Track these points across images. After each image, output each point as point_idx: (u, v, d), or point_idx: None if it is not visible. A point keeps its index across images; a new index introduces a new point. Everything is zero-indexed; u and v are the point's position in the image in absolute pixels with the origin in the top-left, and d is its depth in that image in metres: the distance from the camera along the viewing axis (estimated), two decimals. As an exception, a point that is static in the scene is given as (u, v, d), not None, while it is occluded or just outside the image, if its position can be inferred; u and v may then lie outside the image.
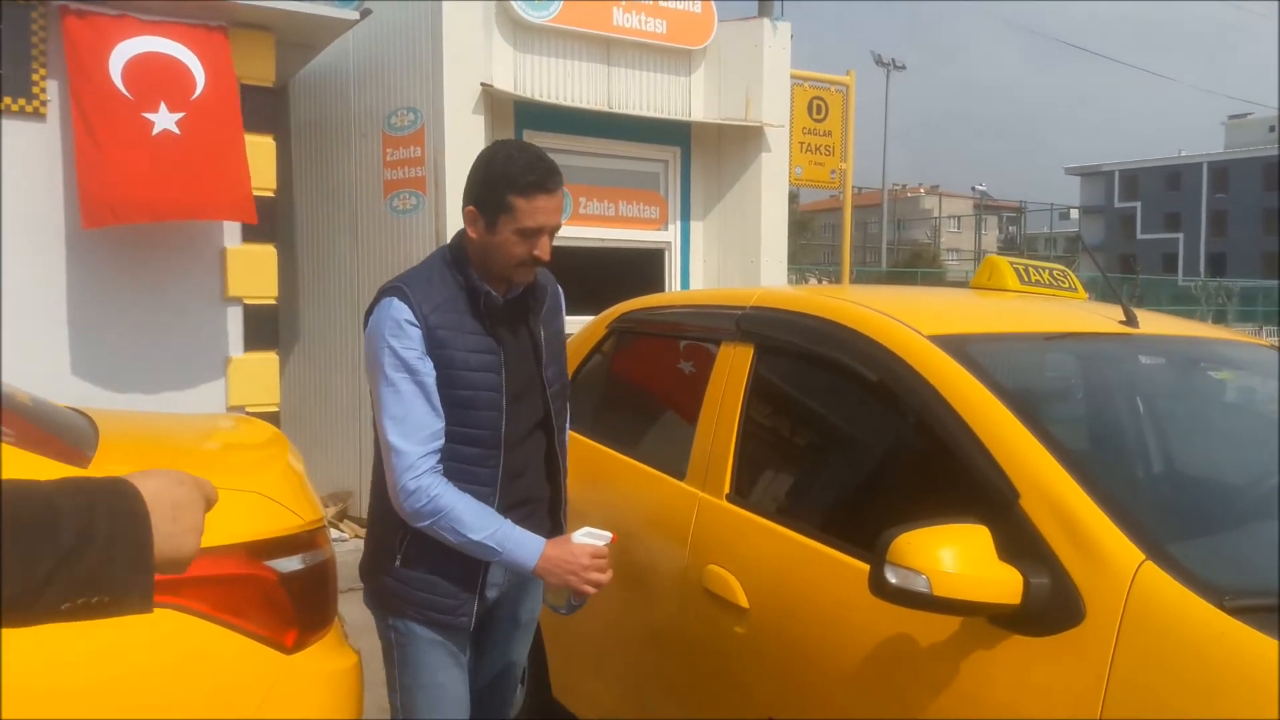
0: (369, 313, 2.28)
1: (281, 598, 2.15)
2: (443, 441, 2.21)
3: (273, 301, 5.78)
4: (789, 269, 8.23)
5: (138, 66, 5.08)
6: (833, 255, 43.23)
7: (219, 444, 2.96)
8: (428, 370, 2.19)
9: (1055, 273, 3.28)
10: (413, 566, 2.26)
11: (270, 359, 5.75)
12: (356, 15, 5.84)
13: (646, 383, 3.59)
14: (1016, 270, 3.18)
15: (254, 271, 5.62)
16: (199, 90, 5.22)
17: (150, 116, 5.06)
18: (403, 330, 2.18)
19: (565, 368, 2.54)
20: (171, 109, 5.11)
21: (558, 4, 6.56)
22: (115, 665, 1.95)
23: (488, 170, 2.24)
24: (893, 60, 40.94)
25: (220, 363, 5.55)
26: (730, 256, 7.56)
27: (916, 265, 40.62)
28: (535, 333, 2.40)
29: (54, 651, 1.87)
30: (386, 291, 2.25)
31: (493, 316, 2.28)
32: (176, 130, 5.10)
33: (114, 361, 5.24)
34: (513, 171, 2.19)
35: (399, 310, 2.20)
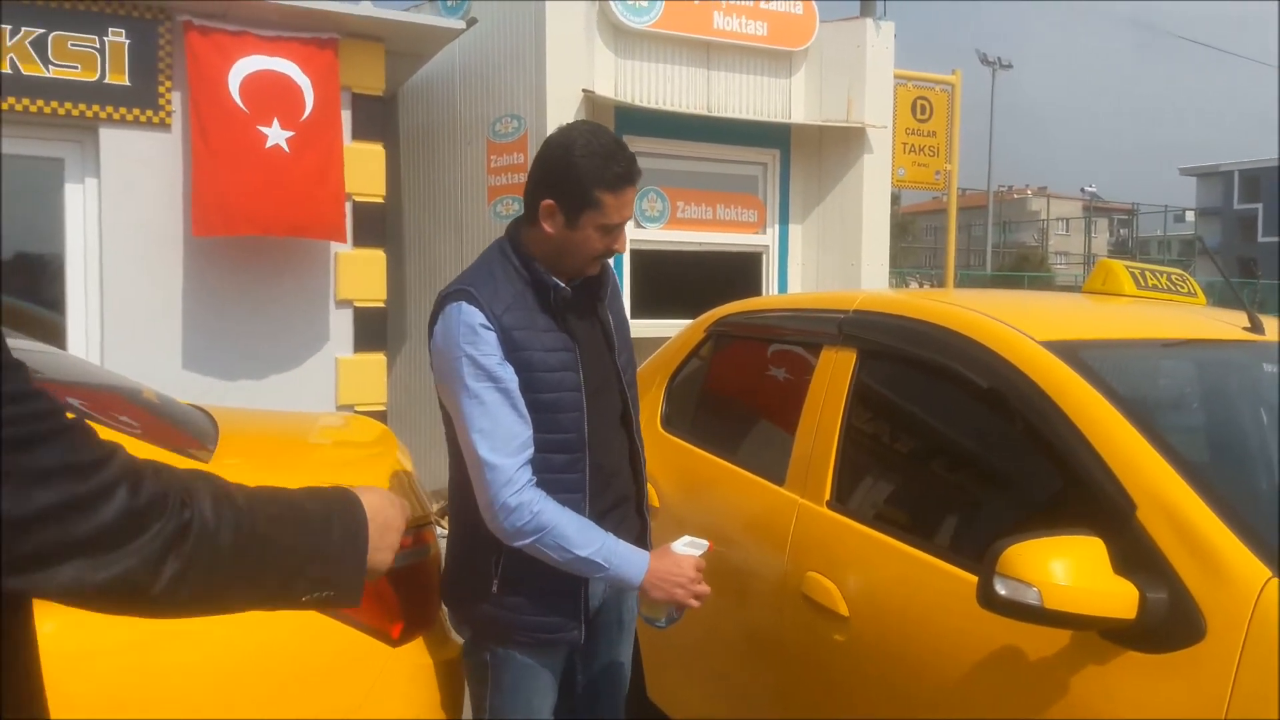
0: (433, 321, 2.14)
1: (389, 592, 2.20)
2: (533, 450, 2.07)
3: (381, 304, 5.94)
4: (889, 272, 8.09)
5: (254, 82, 5.30)
6: (934, 258, 42.37)
7: (331, 441, 3.05)
8: (509, 375, 2.05)
9: (1173, 277, 3.16)
10: (512, 589, 2.12)
11: (378, 360, 5.91)
12: (463, 25, 5.97)
13: (745, 387, 3.57)
14: (1132, 274, 3.08)
15: (364, 275, 5.79)
16: (308, 111, 5.41)
17: (264, 130, 5.26)
18: (478, 335, 2.03)
19: (634, 354, 2.38)
20: (283, 126, 5.31)
21: (658, 9, 6.59)
22: (232, 652, 2.03)
23: (567, 162, 2.06)
24: (999, 59, 39.98)
25: (331, 363, 5.73)
26: (829, 259, 7.48)
27: (1023, 269, 39.51)
28: (604, 320, 2.27)
29: (181, 640, 1.95)
30: (451, 296, 2.09)
31: (563, 310, 2.15)
32: (286, 148, 5.31)
33: (230, 360, 5.46)
34: (596, 165, 2.04)
35: (470, 314, 2.04)
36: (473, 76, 6.67)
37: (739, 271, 7.25)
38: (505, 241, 2.19)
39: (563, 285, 2.13)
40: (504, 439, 2.03)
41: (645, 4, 6.54)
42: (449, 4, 6.57)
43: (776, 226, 7.44)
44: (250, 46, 5.35)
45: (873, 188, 7.40)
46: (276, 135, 5.30)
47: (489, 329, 2.03)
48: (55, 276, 5.28)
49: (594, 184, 2.04)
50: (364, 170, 5.64)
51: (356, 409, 5.53)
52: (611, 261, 2.31)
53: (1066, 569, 1.72)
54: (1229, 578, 1.69)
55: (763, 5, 6.99)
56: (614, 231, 2.11)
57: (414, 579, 2.27)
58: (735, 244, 7.29)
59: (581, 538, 2.04)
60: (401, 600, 2.21)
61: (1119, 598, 1.73)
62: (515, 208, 6.25)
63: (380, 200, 5.83)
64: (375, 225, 5.77)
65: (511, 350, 2.05)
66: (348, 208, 5.58)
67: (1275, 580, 1.65)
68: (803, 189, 7.51)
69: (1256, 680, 1.59)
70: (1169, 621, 1.72)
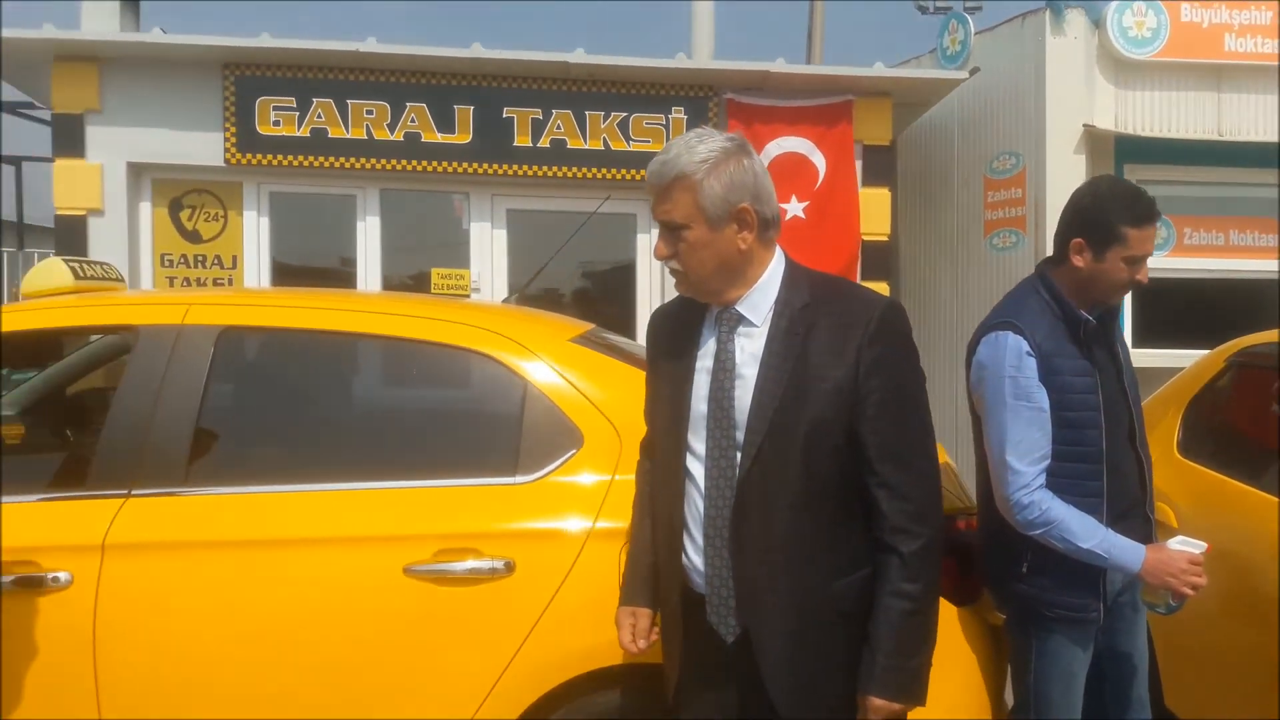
0: (975, 345, 2.54)
1: (954, 563, 2.73)
2: (1049, 461, 2.44)
3: (885, 331, 6.60)
4: None
5: (778, 165, 6.26)
6: None
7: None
8: (1043, 398, 2.42)
9: None
10: (1040, 572, 2.50)
11: (880, 382, 6.56)
12: (966, 75, 6.45)
13: (1266, 416, 3.66)
14: None
15: (870, 305, 6.48)
16: (820, 179, 6.27)
17: (783, 206, 6.19)
18: (1022, 362, 2.42)
19: (1136, 377, 2.70)
20: (800, 199, 6.22)
21: (1162, 38, 6.57)
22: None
23: (1095, 204, 2.46)
24: None
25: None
26: (1367, 285, 6.87)
27: None
28: (1114, 349, 2.59)
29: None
30: (999, 326, 2.49)
31: (1088, 340, 2.49)
32: (803, 215, 6.21)
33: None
34: (1120, 205, 2.42)
35: (1016, 343, 2.43)
36: (970, 119, 7.12)
37: (1253, 299, 6.91)
38: (1036, 279, 2.62)
39: (1091, 319, 2.49)
40: (1028, 449, 2.43)
41: (1147, 35, 6.57)
42: (948, 53, 7.09)
43: (1299, 250, 7.00)
44: (777, 118, 6.30)
45: None
46: (794, 208, 6.22)
47: (1031, 356, 2.43)
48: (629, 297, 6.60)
49: (1119, 221, 2.42)
50: (873, 213, 6.34)
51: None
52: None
53: None
54: None
55: (1283, 21, 6.67)
56: (1138, 263, 2.45)
57: (969, 555, 2.79)
58: (1248, 270, 6.97)
59: (1084, 532, 2.40)
60: (961, 568, 2.74)
61: None
62: (1012, 240, 6.59)
63: (886, 239, 6.49)
64: (881, 261, 6.44)
65: (1047, 375, 2.43)
66: (859, 249, 6.33)
67: None
68: (1331, 209, 6.98)
69: None
70: None
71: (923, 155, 7.60)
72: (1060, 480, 2.48)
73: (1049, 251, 2.68)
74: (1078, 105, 6.47)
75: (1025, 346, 2.45)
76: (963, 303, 7.15)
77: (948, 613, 2.70)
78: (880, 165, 6.57)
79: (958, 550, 2.77)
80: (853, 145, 6.33)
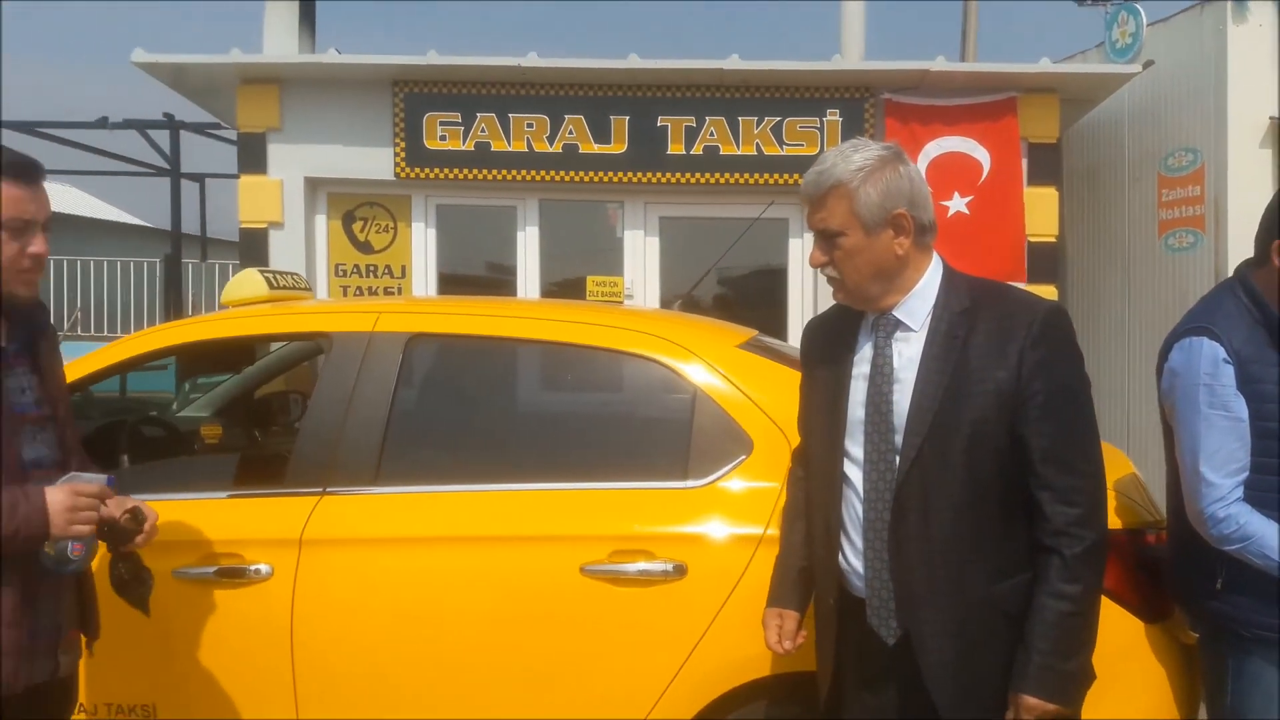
0: (1167, 350, 2.47)
1: (1143, 577, 2.63)
2: (1247, 473, 2.33)
3: (1050, 335, 6.37)
4: None
5: (938, 163, 6.13)
6: None
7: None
8: (1240, 407, 2.29)
9: None
10: (1236, 589, 2.35)
11: (1045, 388, 6.33)
12: (1138, 69, 6.17)
13: None
14: None
15: (1037, 309, 6.28)
16: (985, 174, 6.12)
17: (945, 203, 6.04)
18: (1218, 369, 2.30)
19: None
20: (963, 195, 6.07)
21: (1361, 20, 6.12)
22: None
23: None
24: None
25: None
26: None
27: None
28: None
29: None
30: (1195, 331, 2.37)
31: None
32: (966, 211, 6.07)
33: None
34: None
35: (1214, 349, 2.31)
36: (1141, 114, 6.80)
37: None
38: (1235, 282, 2.46)
39: None
40: (1224, 460, 2.32)
41: (1345, 17, 6.13)
42: (1118, 47, 6.78)
43: None
44: (936, 117, 6.16)
45: None
46: (956, 204, 6.08)
47: (1229, 363, 2.30)
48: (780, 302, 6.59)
49: None
50: (1039, 212, 6.13)
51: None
52: None
53: None
54: None
55: None
56: None
57: (1159, 569, 2.66)
58: None
59: None
60: (1151, 584, 2.62)
61: None
62: (1190, 240, 6.25)
63: (1053, 240, 6.26)
64: (1048, 263, 6.21)
65: (1245, 383, 2.31)
66: (1024, 248, 6.13)
67: None
68: None
69: None
70: None
71: (1090, 152, 7.31)
72: (1260, 494, 2.33)
73: (1230, 252, 2.57)
74: (1263, 97, 6.09)
75: (1222, 353, 2.32)
76: (1133, 305, 6.82)
77: (1136, 629, 2.61)
78: (1047, 163, 6.35)
79: (1148, 565, 2.66)
80: (1018, 142, 6.15)
